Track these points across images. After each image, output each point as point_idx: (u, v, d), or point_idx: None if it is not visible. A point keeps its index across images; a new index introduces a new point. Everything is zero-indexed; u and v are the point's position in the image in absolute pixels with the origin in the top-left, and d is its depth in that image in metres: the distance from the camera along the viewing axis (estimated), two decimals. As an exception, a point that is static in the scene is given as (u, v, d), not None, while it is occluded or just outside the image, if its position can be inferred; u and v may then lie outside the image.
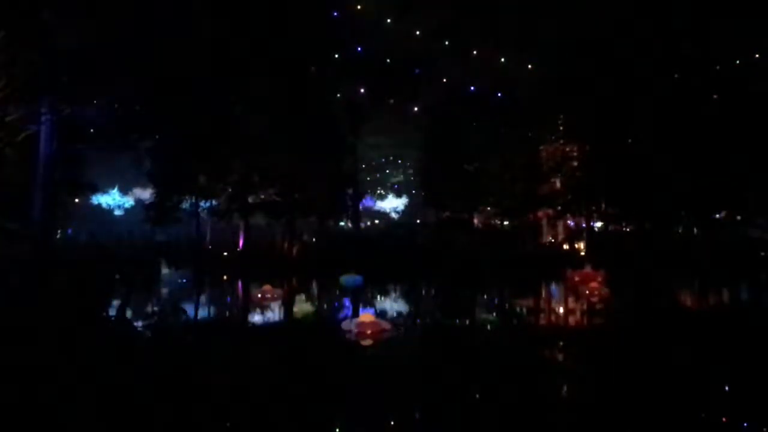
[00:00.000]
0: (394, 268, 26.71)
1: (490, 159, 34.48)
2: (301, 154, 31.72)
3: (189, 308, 17.48)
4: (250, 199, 33.22)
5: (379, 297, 20.25)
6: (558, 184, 35.87)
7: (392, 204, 57.85)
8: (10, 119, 17.42)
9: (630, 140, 33.03)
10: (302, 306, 18.61)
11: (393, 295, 21.37)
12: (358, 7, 32.86)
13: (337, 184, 34.88)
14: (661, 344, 11.62)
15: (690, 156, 30.75)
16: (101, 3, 18.93)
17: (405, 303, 19.44)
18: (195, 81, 26.30)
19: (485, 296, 21.46)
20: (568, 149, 35.63)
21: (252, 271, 25.87)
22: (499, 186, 34.34)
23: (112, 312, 13.96)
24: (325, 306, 19.07)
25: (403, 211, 56.45)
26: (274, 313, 16.22)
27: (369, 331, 11.84)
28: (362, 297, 19.85)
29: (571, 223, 38.19)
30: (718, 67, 32.44)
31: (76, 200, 36.66)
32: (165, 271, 22.53)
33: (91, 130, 25.27)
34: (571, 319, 16.04)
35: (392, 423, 6.98)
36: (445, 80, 35.54)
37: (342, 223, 43.48)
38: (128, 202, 49.68)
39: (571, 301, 18.95)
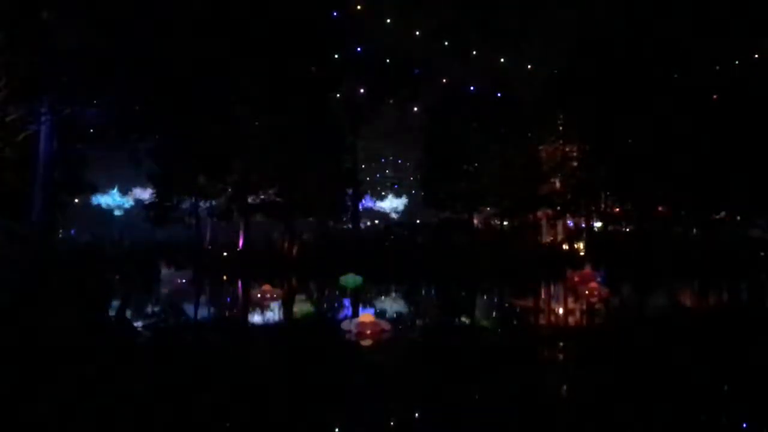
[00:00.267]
0: (394, 269, 26.73)
1: (490, 159, 34.47)
2: (301, 154, 31.73)
3: (189, 308, 17.51)
4: (249, 199, 33.23)
5: (378, 297, 20.25)
6: (558, 184, 35.87)
7: (392, 204, 57.88)
8: (10, 119, 17.42)
9: (630, 140, 33.02)
10: (302, 306, 18.61)
11: (393, 295, 21.38)
12: (358, 7, 32.85)
13: (337, 184, 34.87)
14: (661, 344, 11.62)
15: (690, 156, 30.75)
16: (101, 3, 18.91)
17: (405, 303, 19.44)
18: (195, 81, 26.28)
19: (485, 296, 21.46)
20: (567, 149, 35.62)
21: (252, 271, 25.87)
22: (499, 186, 34.34)
23: (112, 312, 13.98)
24: (325, 306, 19.07)
25: (403, 211, 56.47)
26: (274, 313, 16.23)
27: (369, 331, 11.85)
28: (362, 297, 19.85)
29: (570, 223, 38.19)
30: (718, 67, 32.43)
31: (76, 200, 36.67)
32: (165, 271, 22.53)
33: (91, 130, 25.24)
34: (571, 320, 16.04)
35: (392, 423, 6.98)
36: (445, 80, 35.52)
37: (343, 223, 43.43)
38: (128, 202, 49.69)
39: (570, 301, 18.95)
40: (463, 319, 16.09)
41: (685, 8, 30.59)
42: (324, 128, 32.32)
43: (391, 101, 36.47)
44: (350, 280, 21.89)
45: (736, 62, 32.18)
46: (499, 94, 34.52)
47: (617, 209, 36.86)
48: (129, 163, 32.58)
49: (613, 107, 31.66)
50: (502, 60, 33.76)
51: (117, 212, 49.81)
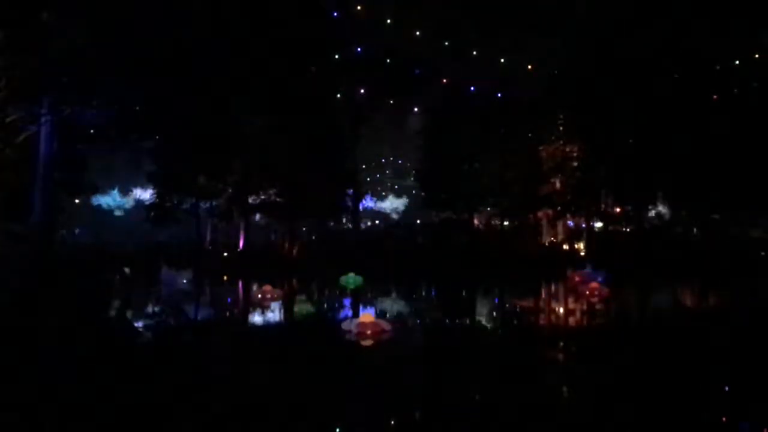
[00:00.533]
0: (394, 269, 26.74)
1: (490, 159, 34.46)
2: (301, 154, 31.73)
3: (189, 309, 17.50)
4: (250, 200, 33.24)
5: (379, 297, 20.25)
6: (558, 185, 35.85)
7: (392, 204, 57.84)
8: (11, 120, 17.43)
9: (630, 140, 33.02)
10: (302, 306, 18.61)
11: (393, 295, 21.37)
12: (358, 7, 32.86)
13: (337, 185, 34.88)
14: (661, 344, 11.61)
15: (691, 155, 30.75)
16: (101, 4, 18.91)
17: (405, 303, 19.44)
18: (195, 81, 26.29)
19: (485, 296, 21.45)
20: (568, 149, 35.61)
21: (252, 272, 25.88)
22: (499, 186, 34.33)
23: (113, 313, 13.98)
24: (325, 306, 19.07)
25: (404, 212, 56.44)
26: (275, 314, 16.23)
27: (369, 332, 11.84)
28: (362, 297, 19.85)
29: (571, 223, 38.18)
30: (718, 67, 32.43)
31: (77, 201, 36.69)
32: (165, 271, 22.52)
33: (91, 131, 25.25)
34: (571, 320, 16.04)
35: (392, 423, 6.98)
36: (445, 80, 35.53)
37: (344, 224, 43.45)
38: (128, 202, 49.65)
39: (571, 301, 18.95)
40: (464, 319, 16.08)
41: (685, 8, 30.58)
42: (324, 128, 32.32)
43: (391, 101, 36.49)
44: (350, 280, 21.90)
45: (737, 62, 32.18)
46: (499, 94, 34.52)
47: (617, 209, 36.86)
48: (129, 164, 32.62)
49: (613, 107, 31.66)
50: (502, 60, 33.77)
51: (117, 213, 49.76)
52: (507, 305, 18.94)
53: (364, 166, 42.47)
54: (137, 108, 24.98)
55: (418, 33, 33.38)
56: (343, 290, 21.10)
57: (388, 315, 15.04)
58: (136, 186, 46.46)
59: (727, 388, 8.45)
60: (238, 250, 32.72)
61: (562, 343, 12.44)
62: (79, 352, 9.84)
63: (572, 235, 36.65)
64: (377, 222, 54.63)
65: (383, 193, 58.22)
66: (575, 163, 35.31)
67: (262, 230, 38.60)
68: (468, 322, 15.59)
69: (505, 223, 38.15)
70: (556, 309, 18.01)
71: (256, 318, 15.77)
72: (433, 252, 30.95)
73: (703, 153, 30.63)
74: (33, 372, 8.69)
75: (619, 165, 32.12)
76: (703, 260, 27.85)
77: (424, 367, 10.12)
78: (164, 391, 8.14)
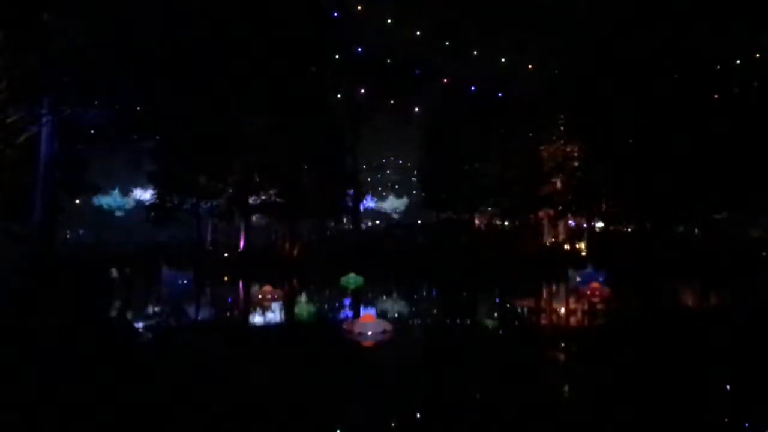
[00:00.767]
0: (395, 269, 26.73)
1: (491, 159, 34.46)
2: (302, 155, 31.74)
3: (190, 309, 17.50)
4: (250, 200, 33.25)
5: (379, 297, 20.25)
6: (559, 185, 35.83)
7: (393, 204, 57.90)
8: (11, 120, 17.44)
9: (631, 140, 33.00)
10: (303, 306, 18.61)
11: (394, 295, 21.37)
12: (359, 7, 32.86)
13: (338, 185, 34.89)
14: (662, 344, 11.60)
15: (691, 155, 30.72)
16: (101, 4, 18.91)
17: (406, 303, 19.43)
18: (195, 81, 26.29)
19: (486, 296, 21.43)
20: (568, 149, 35.60)
21: (253, 272, 25.88)
22: (500, 186, 34.33)
23: (114, 313, 13.99)
24: (326, 306, 19.07)
25: (404, 212, 56.48)
26: (275, 314, 16.22)
27: (370, 332, 11.84)
28: (363, 297, 19.85)
29: (571, 223, 38.16)
30: (719, 67, 32.40)
31: (77, 201, 36.72)
32: (166, 272, 22.52)
33: (92, 131, 25.25)
34: (572, 320, 16.02)
35: (393, 423, 6.98)
36: (445, 80, 35.53)
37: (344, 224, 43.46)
38: (129, 203, 49.70)
39: (572, 301, 18.94)
40: (465, 319, 16.08)
41: (685, 8, 30.56)
42: (324, 128, 32.33)
43: (391, 101, 36.49)
44: (351, 280, 21.91)
45: (737, 62, 32.16)
46: (499, 94, 34.51)
47: (618, 209, 36.82)
48: (130, 164, 32.61)
49: (613, 107, 31.64)
50: (502, 60, 33.77)
51: (118, 213, 49.81)
52: (508, 305, 18.92)
53: (364, 166, 42.47)
54: (138, 108, 24.97)
55: (418, 33, 33.39)
56: (343, 290, 21.10)
57: (388, 315, 15.04)
58: (136, 186, 46.55)
59: (727, 387, 8.45)
60: (239, 250, 32.72)
61: (562, 343, 12.43)
62: (79, 352, 9.85)
63: (573, 235, 36.63)
64: (378, 222, 54.67)
65: (384, 194, 58.29)
66: (576, 163, 35.29)
67: (262, 230, 38.63)
68: (469, 322, 15.58)
69: (506, 223, 38.16)
70: (557, 309, 17.99)
71: (257, 318, 15.76)
72: (434, 252, 30.95)
73: (704, 153, 30.61)
74: (33, 372, 8.69)
75: (619, 165, 32.10)
76: (704, 260, 27.84)
77: (424, 367, 10.12)
78: (164, 391, 8.13)
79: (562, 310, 17.67)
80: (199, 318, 16.17)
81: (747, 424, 6.88)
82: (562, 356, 11.54)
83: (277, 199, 33.61)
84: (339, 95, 35.28)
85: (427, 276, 25.80)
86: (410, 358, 10.70)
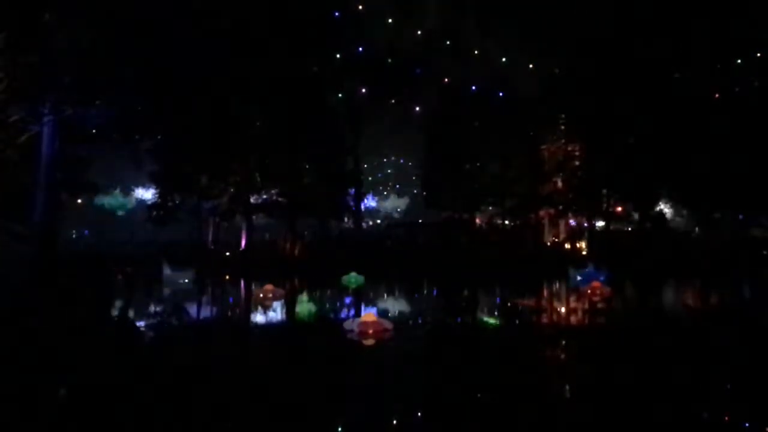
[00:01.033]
0: (396, 268, 26.73)
1: (491, 159, 34.47)
2: (303, 155, 31.75)
3: (191, 308, 17.52)
4: (251, 199, 33.28)
5: (380, 297, 20.25)
6: (559, 184, 35.84)
7: (394, 204, 57.90)
8: (13, 120, 17.47)
9: (632, 139, 32.99)
10: (304, 306, 18.62)
11: (395, 294, 21.37)
12: (359, 7, 32.87)
13: (339, 184, 34.91)
14: (662, 344, 11.60)
15: (692, 155, 30.72)
16: (102, 4, 18.93)
17: (407, 303, 19.43)
18: (196, 81, 26.33)
19: (487, 295, 21.44)
20: (569, 148, 35.60)
21: (254, 271, 25.89)
22: (501, 186, 34.33)
23: (115, 312, 14.00)
24: (327, 306, 19.08)
25: (405, 211, 56.50)
26: (276, 313, 16.23)
27: (371, 331, 11.85)
28: (364, 297, 19.86)
29: (572, 222, 38.16)
30: (719, 66, 32.38)
31: (79, 201, 36.76)
32: (167, 271, 22.54)
33: (93, 131, 25.30)
34: (573, 319, 16.02)
35: (394, 423, 6.99)
36: (446, 80, 35.53)
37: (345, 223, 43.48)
38: (130, 202, 49.70)
39: (573, 300, 18.93)
40: (466, 318, 16.08)
41: (684, 7, 30.55)
42: (325, 128, 32.34)
43: (392, 101, 36.51)
44: (352, 279, 21.93)
45: (738, 61, 32.13)
46: (500, 94, 34.52)
47: (619, 208, 36.85)
48: (131, 164, 32.66)
49: (613, 106, 31.63)
50: (503, 59, 33.78)
51: (119, 213, 49.81)
52: (508, 304, 18.92)
53: (365, 166, 42.51)
54: (139, 108, 25.02)
55: (418, 33, 33.40)
56: (344, 290, 21.11)
57: (389, 314, 15.04)
58: (138, 186, 46.54)
59: (728, 387, 8.45)
60: (240, 249, 32.75)
61: (563, 342, 12.43)
62: (80, 351, 9.86)
63: (574, 235, 36.64)
64: (379, 221, 54.69)
65: (384, 193, 58.31)
66: (576, 162, 35.30)
67: (263, 230, 38.66)
68: (470, 321, 15.58)
69: (507, 222, 38.15)
70: (558, 308, 17.98)
71: (258, 317, 15.77)
72: (435, 251, 30.95)
73: (704, 152, 30.59)
74: (33, 372, 8.70)
75: (620, 164, 32.09)
76: (705, 259, 27.82)
77: (426, 366, 10.12)
78: (165, 390, 8.15)
79: (563, 309, 17.67)
80: (201, 317, 16.18)
81: (747, 424, 6.88)
82: (562, 355, 11.54)
83: (279, 199, 33.65)
84: (339, 95, 35.28)
85: (428, 275, 25.80)
86: (411, 358, 10.71)
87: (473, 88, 34.72)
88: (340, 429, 6.88)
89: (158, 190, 33.52)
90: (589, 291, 18.96)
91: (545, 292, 21.74)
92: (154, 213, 33.23)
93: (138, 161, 31.59)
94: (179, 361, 10.25)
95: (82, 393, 7.80)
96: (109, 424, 6.63)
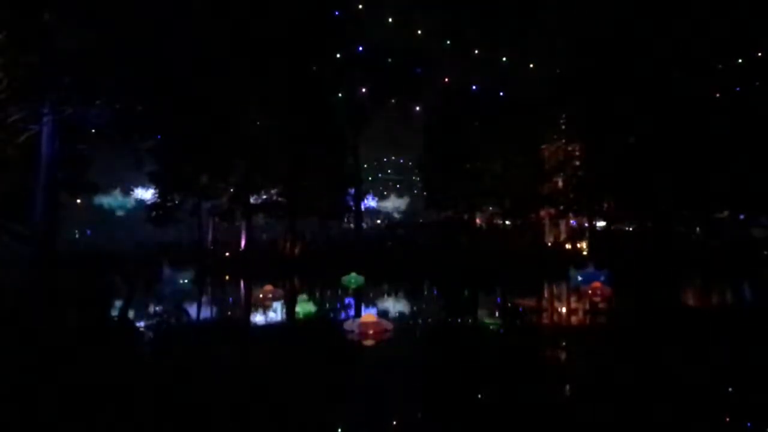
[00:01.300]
0: (397, 268, 26.73)
1: (492, 158, 34.46)
2: (302, 154, 31.73)
3: (191, 309, 17.51)
4: (252, 199, 33.28)
5: (381, 297, 20.24)
6: (560, 184, 35.84)
7: (394, 204, 57.90)
8: (12, 120, 17.43)
9: (632, 139, 32.98)
10: (304, 306, 18.61)
11: (395, 295, 21.36)
12: (359, 6, 32.84)
13: (339, 184, 34.91)
14: (662, 343, 11.59)
15: (693, 155, 30.70)
16: (102, 4, 18.91)
17: (407, 303, 19.42)
18: (197, 81, 26.31)
19: (488, 296, 21.43)
20: (570, 148, 35.60)
21: (254, 271, 25.88)
22: (501, 185, 34.32)
23: (115, 312, 13.98)
24: (327, 306, 19.07)
25: (406, 211, 56.51)
26: (276, 314, 16.22)
27: (371, 332, 11.84)
28: (364, 297, 19.84)
29: (573, 222, 38.16)
30: (720, 66, 32.36)
31: (78, 201, 36.76)
32: (167, 271, 22.53)
33: (93, 131, 25.27)
34: (574, 319, 16.01)
35: (395, 423, 6.97)
36: (446, 80, 35.51)
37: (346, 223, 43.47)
38: (130, 202, 49.70)
39: (573, 300, 18.93)
40: (466, 318, 16.06)
41: (684, 7, 30.53)
42: (326, 128, 32.34)
43: (392, 101, 36.49)
44: (352, 279, 21.92)
45: (739, 60, 32.11)
46: (500, 94, 34.50)
47: (619, 208, 36.83)
48: (131, 164, 32.61)
49: (613, 106, 31.62)
50: (503, 59, 33.74)
51: (119, 212, 49.81)
52: (509, 304, 18.91)
53: (365, 166, 42.50)
54: (139, 108, 24.99)
55: (418, 32, 33.37)
56: (344, 290, 21.10)
57: (390, 315, 15.03)
58: (137, 186, 46.52)
59: (728, 387, 8.43)
60: (240, 249, 32.74)
61: (563, 342, 12.42)
62: (81, 352, 9.84)
63: (574, 235, 36.64)
64: (379, 221, 54.69)
65: (385, 193, 58.32)
66: (577, 162, 35.30)
67: (263, 230, 38.66)
68: (470, 321, 15.57)
69: (507, 222, 38.15)
70: (558, 308, 17.98)
71: (258, 318, 15.76)
72: (435, 251, 30.93)
73: (705, 152, 30.58)
74: (33, 372, 8.68)
75: (620, 164, 32.09)
76: (705, 259, 27.80)
77: (426, 366, 10.11)
78: (165, 390, 8.13)
79: (563, 309, 17.65)
80: (201, 317, 16.17)
81: (749, 424, 6.86)
82: (563, 355, 11.53)
83: (279, 199, 33.66)
84: (339, 95, 35.26)
85: (428, 275, 25.80)
86: (411, 358, 10.70)
87: (473, 88, 34.69)
88: (340, 429, 6.86)
89: (158, 190, 33.51)
90: (589, 291, 18.96)
91: (546, 292, 21.73)
92: (154, 213, 33.22)
93: (138, 161, 31.55)
94: (179, 362, 10.24)
95: (82, 393, 7.78)
96: (109, 424, 6.62)
